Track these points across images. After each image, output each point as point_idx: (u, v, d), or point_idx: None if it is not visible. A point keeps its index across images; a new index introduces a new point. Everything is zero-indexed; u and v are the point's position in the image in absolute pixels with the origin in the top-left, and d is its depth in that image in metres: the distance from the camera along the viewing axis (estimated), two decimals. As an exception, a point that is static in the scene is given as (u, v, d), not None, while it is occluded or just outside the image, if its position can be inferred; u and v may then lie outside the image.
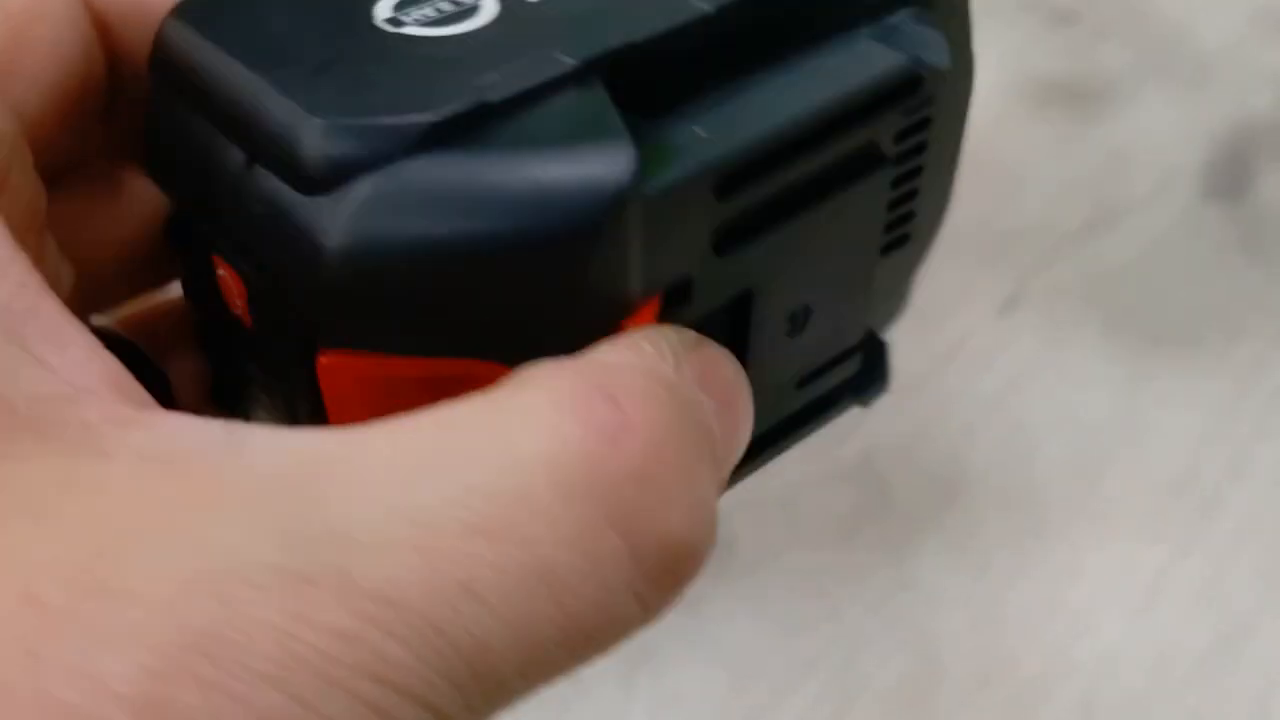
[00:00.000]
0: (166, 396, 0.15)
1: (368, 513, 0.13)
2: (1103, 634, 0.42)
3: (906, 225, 0.22)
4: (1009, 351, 0.49)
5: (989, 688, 0.41)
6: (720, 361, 0.18)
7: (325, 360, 0.17)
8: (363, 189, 0.16)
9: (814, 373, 0.22)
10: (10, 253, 0.15)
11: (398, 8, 0.18)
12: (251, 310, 0.18)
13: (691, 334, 0.18)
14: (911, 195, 0.21)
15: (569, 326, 0.17)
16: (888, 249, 0.22)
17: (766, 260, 0.19)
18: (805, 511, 0.44)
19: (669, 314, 0.18)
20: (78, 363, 0.14)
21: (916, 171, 0.21)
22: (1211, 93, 0.59)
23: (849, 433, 0.46)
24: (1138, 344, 0.50)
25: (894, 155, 0.20)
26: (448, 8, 0.18)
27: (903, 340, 0.49)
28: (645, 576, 0.15)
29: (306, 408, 0.18)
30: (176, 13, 0.18)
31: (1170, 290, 0.52)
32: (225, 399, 0.21)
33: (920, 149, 0.21)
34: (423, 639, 0.13)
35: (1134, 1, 0.63)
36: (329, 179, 0.16)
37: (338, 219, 0.16)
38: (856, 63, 0.19)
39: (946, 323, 0.50)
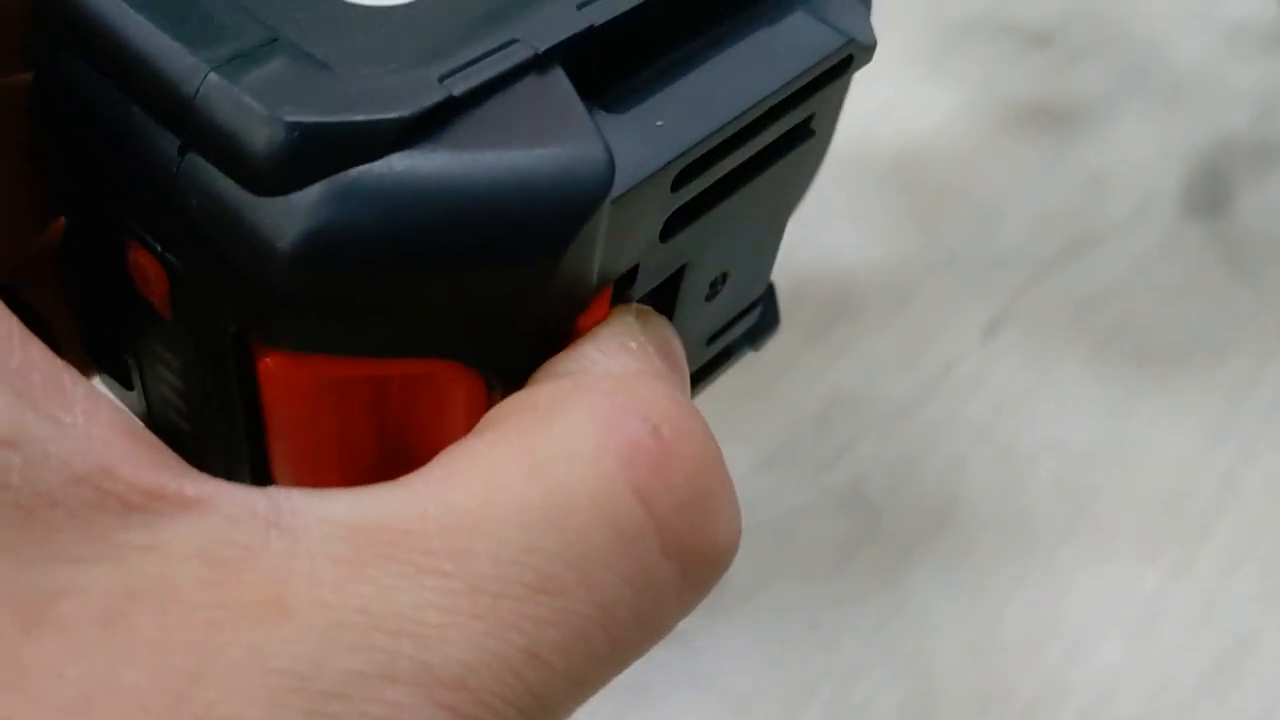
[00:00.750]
0: (52, 346, 0.14)
1: (432, 588, 0.14)
2: (1100, 656, 0.42)
3: (809, 186, 0.23)
4: (995, 376, 0.49)
5: (986, 713, 0.40)
6: (666, 334, 0.18)
7: (269, 362, 0.16)
8: (326, 192, 0.15)
9: (722, 329, 0.23)
10: None
11: None
12: (174, 303, 0.17)
13: (635, 307, 0.18)
14: (819, 161, 0.22)
15: (531, 324, 0.17)
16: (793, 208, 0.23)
17: (700, 237, 0.19)
18: (797, 541, 0.44)
19: (614, 299, 0.18)
20: (90, 416, 0.14)
21: (828, 139, 0.21)
22: (1188, 112, 0.60)
23: (838, 460, 0.46)
24: (1124, 364, 0.50)
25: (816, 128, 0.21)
26: None
27: (889, 367, 0.49)
28: (692, 586, 0.15)
29: (235, 403, 0.17)
30: None
31: (1155, 310, 0.52)
32: (104, 359, 0.20)
33: (834, 121, 0.21)
34: (492, 712, 0.14)
35: (1108, 22, 0.63)
36: (288, 181, 0.15)
37: (298, 224, 0.15)
38: (800, 42, 0.19)
39: (931, 349, 0.50)
